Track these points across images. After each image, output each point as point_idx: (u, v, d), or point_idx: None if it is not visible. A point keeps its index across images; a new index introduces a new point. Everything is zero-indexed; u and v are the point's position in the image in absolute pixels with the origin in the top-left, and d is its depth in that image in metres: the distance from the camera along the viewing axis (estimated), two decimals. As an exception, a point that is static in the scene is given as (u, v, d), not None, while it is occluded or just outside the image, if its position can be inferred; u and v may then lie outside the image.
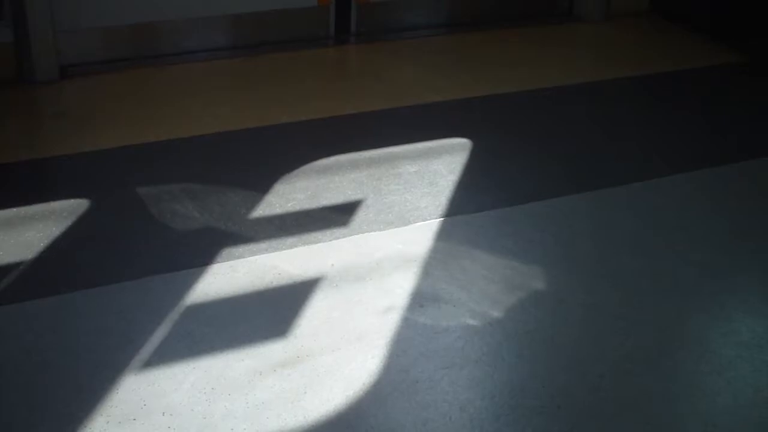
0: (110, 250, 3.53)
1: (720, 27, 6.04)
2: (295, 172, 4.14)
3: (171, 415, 2.76)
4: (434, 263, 3.54)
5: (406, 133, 4.57)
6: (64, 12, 4.92)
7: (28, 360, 2.95)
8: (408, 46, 5.76)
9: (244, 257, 3.51)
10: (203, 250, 3.53)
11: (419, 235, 3.72)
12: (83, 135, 4.38)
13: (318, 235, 3.69)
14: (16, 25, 4.83)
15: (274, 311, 3.23)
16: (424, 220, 3.83)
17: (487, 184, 4.15)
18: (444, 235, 3.73)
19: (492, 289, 3.42)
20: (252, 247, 3.58)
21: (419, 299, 3.33)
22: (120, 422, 2.72)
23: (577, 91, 5.24)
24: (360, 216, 3.83)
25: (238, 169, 4.15)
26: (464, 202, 3.98)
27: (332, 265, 3.50)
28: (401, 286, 3.40)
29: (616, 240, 3.79)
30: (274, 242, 3.62)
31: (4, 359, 2.95)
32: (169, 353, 3.00)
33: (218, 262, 3.47)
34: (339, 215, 3.83)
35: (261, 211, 3.83)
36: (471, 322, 3.23)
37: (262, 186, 4.00)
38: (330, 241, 3.65)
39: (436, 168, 4.25)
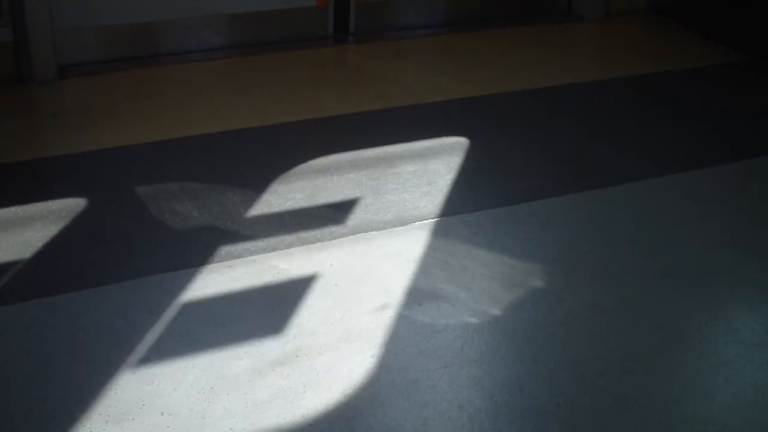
0: (109, 250, 3.53)
1: (719, 26, 6.03)
2: (294, 171, 4.14)
3: (170, 414, 2.76)
4: (433, 262, 3.54)
5: (404, 132, 4.57)
6: (63, 11, 4.92)
7: (28, 360, 2.94)
8: (407, 45, 5.76)
9: (242, 257, 3.51)
10: (202, 250, 3.53)
11: (418, 235, 3.71)
12: (82, 135, 4.38)
13: (317, 234, 3.68)
14: (15, 24, 4.83)
15: (272, 310, 3.23)
16: (423, 219, 3.83)
17: (485, 184, 4.15)
18: (443, 234, 3.73)
19: (491, 288, 3.42)
20: (251, 246, 3.58)
21: (418, 298, 3.33)
22: (119, 422, 2.72)
23: (576, 91, 5.24)
24: (359, 215, 3.83)
25: (236, 169, 4.14)
26: (463, 202, 3.98)
27: (331, 264, 3.50)
28: (400, 285, 3.40)
29: (615, 239, 3.79)
30: (272, 241, 3.62)
31: (4, 359, 2.95)
32: (168, 352, 3.00)
33: (217, 261, 3.47)
34: (338, 214, 3.83)
35: (260, 211, 3.83)
36: (470, 320, 3.23)
37: (261, 185, 4.00)
38: (329, 240, 3.65)
39: (434, 167, 4.24)
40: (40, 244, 3.53)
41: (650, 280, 3.54)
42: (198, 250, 3.53)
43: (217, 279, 3.37)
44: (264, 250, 3.55)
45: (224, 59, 5.38)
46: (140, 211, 3.78)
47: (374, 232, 3.72)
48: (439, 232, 3.74)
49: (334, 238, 3.67)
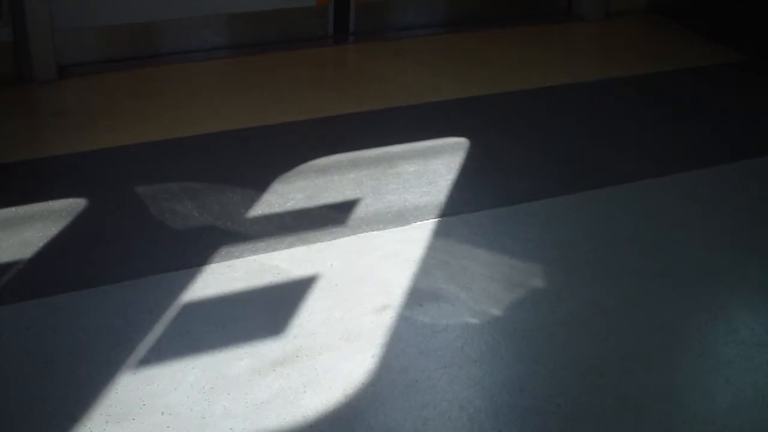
0: (109, 250, 3.53)
1: (719, 26, 6.04)
2: (294, 171, 4.14)
3: (170, 414, 2.76)
4: (433, 262, 3.54)
5: (405, 132, 4.57)
6: (63, 11, 4.92)
7: (28, 360, 2.94)
8: (407, 45, 5.76)
9: (243, 256, 3.51)
10: (202, 250, 3.53)
11: (418, 235, 3.71)
12: (82, 135, 4.38)
13: (317, 234, 3.68)
14: (15, 24, 4.83)
15: (273, 310, 3.23)
16: (423, 219, 3.83)
17: (485, 184, 4.15)
18: (443, 234, 3.73)
19: (491, 288, 3.42)
20: (251, 246, 3.58)
21: (418, 298, 3.33)
22: (119, 421, 2.72)
23: (576, 91, 5.24)
24: (359, 215, 3.83)
25: (236, 169, 4.14)
26: (463, 202, 3.98)
27: (331, 264, 3.50)
28: (400, 285, 3.40)
29: (615, 239, 3.79)
30: (273, 241, 3.62)
31: (4, 359, 2.95)
32: (168, 353, 3.00)
33: (217, 261, 3.47)
34: (338, 215, 3.83)
35: (260, 211, 3.83)
36: (470, 320, 3.23)
37: (261, 185, 4.00)
38: (329, 240, 3.65)
39: (435, 167, 4.24)
40: (40, 244, 3.53)
41: (650, 280, 3.54)
42: (198, 250, 3.53)
43: (217, 279, 3.37)
44: (264, 250, 3.55)
45: (224, 59, 5.38)
46: (140, 211, 3.78)
47: (375, 232, 3.72)
48: (439, 232, 3.74)
49: (335, 238, 3.67)
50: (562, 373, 3.03)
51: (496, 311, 3.30)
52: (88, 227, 3.67)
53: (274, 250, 3.56)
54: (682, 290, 3.49)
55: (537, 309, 3.33)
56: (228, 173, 4.10)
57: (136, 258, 3.48)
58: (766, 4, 5.77)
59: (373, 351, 3.06)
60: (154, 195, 3.89)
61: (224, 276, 3.39)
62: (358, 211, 3.86)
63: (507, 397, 2.91)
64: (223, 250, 3.53)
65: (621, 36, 6.17)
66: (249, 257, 3.51)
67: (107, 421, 2.71)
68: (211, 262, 3.46)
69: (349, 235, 3.69)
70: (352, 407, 2.82)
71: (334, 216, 3.82)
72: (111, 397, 2.80)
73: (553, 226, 3.86)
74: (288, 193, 3.96)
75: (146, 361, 2.96)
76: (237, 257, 3.50)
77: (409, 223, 3.80)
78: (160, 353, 2.99)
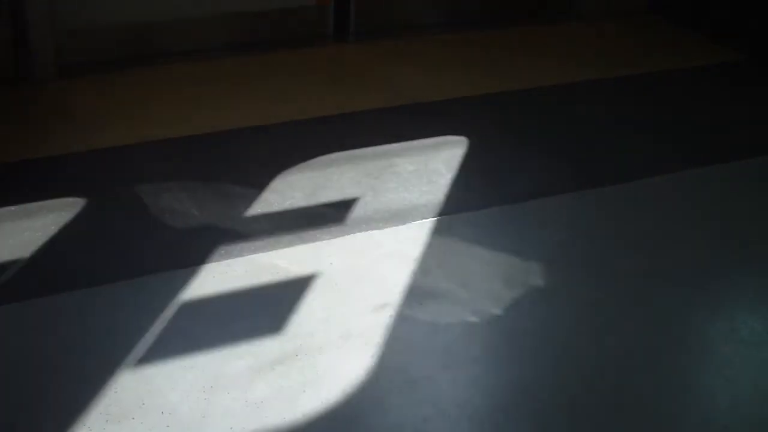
0: (109, 249, 3.53)
1: (719, 26, 6.04)
2: (294, 170, 4.14)
3: (170, 413, 2.75)
4: (433, 261, 3.54)
5: (405, 131, 4.56)
6: (63, 11, 4.92)
7: (28, 359, 2.94)
8: (407, 45, 5.76)
9: (242, 255, 3.51)
10: (202, 249, 3.53)
11: (418, 233, 3.71)
12: (82, 134, 4.38)
13: (316, 233, 3.68)
14: (16, 23, 4.83)
15: (272, 309, 3.23)
16: (423, 218, 3.83)
17: (485, 182, 4.15)
18: (442, 233, 3.73)
19: (491, 287, 3.42)
20: (250, 245, 3.58)
21: (418, 297, 3.33)
22: (119, 421, 2.71)
23: (575, 90, 5.24)
24: (358, 214, 3.83)
25: (236, 168, 4.15)
26: (462, 200, 3.98)
27: (330, 263, 3.50)
28: (400, 283, 3.39)
29: (615, 238, 3.79)
30: (272, 240, 3.62)
31: (4, 359, 2.95)
32: (168, 352, 3.00)
33: (216, 260, 3.47)
34: (337, 213, 3.83)
35: (259, 209, 3.83)
36: (470, 319, 3.23)
37: (261, 184, 4.00)
38: (328, 239, 3.65)
39: (434, 166, 4.24)
40: (40, 244, 3.53)
41: (650, 279, 3.54)
42: (198, 249, 3.53)
43: (216, 278, 3.37)
44: (264, 249, 3.55)
45: (224, 59, 5.38)
46: (140, 210, 3.78)
47: (374, 231, 3.72)
48: (438, 231, 3.74)
49: (334, 237, 3.67)
50: (562, 372, 3.03)
51: (495, 310, 3.30)
52: (86, 226, 3.67)
53: (273, 248, 3.56)
54: (682, 290, 3.49)
55: (537, 308, 3.33)
56: (227, 172, 4.10)
57: (136, 258, 3.48)
58: (766, 4, 5.78)
59: (372, 350, 3.06)
60: (154, 195, 3.89)
61: (224, 275, 3.39)
62: (358, 210, 3.86)
63: (507, 396, 2.91)
64: (223, 249, 3.53)
65: (620, 35, 6.17)
66: (248, 256, 3.51)
67: (107, 420, 2.71)
68: (210, 261, 3.46)
69: (348, 234, 3.69)
70: (351, 406, 2.82)
71: (333, 215, 3.82)
72: (111, 396, 2.80)
73: (553, 224, 3.86)
74: (287, 192, 3.96)
75: (146, 360, 2.96)
76: (236, 256, 3.50)
77: (409, 222, 3.80)
78: (160, 352, 2.99)
